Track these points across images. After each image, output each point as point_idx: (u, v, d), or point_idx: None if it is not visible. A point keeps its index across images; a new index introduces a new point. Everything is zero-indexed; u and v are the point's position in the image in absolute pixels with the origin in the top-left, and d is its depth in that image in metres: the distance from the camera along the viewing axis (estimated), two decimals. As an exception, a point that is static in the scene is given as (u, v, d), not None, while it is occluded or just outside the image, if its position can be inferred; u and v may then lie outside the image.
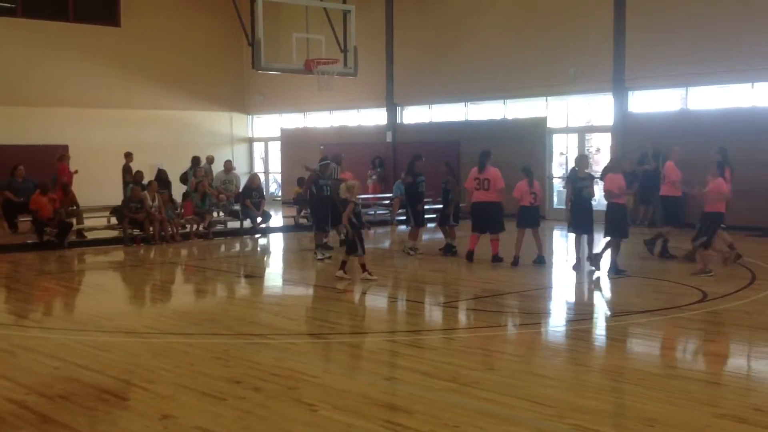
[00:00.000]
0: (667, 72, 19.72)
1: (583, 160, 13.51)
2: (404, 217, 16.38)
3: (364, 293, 11.30)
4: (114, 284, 13.02)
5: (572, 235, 13.05)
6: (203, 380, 6.63)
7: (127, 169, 20.16)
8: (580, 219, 12.77)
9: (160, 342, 8.22)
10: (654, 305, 9.94)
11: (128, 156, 20.62)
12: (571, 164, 22.69)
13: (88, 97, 26.28)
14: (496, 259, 13.52)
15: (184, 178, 20.75)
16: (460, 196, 14.97)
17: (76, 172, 19.34)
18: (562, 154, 22.74)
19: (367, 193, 22.75)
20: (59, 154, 20.12)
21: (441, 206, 15.29)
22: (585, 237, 12.87)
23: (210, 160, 21.56)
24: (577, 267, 12.65)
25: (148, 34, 27.60)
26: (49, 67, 25.54)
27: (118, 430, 5.50)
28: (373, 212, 21.62)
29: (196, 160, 20.65)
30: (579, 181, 12.84)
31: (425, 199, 15.47)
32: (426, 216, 15.48)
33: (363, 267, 11.84)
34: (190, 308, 10.69)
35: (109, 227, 17.68)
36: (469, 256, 13.72)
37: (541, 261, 13.36)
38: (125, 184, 19.21)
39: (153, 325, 9.14)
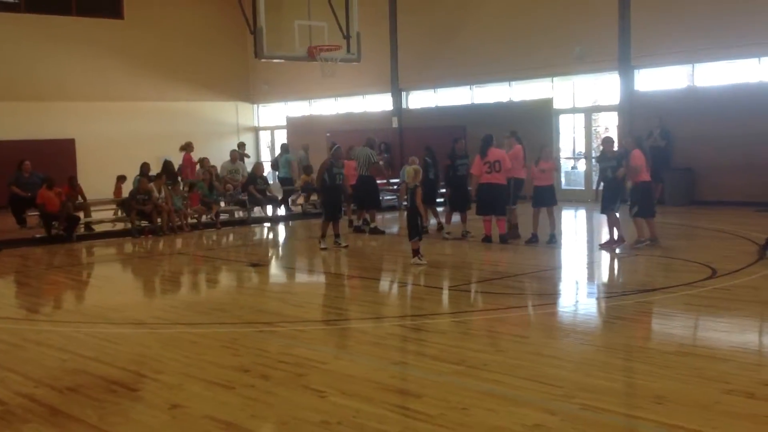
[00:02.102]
0: (673, 49, 19.58)
1: (607, 141, 13.57)
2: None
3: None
4: (122, 276, 13.06)
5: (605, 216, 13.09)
6: (212, 369, 6.64)
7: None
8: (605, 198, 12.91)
9: (169, 332, 8.23)
10: (663, 283, 9.90)
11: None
12: (578, 145, 22.84)
13: (93, 91, 26.34)
14: (503, 238, 13.63)
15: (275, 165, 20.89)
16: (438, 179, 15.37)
17: (199, 161, 19.66)
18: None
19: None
20: (184, 143, 20.61)
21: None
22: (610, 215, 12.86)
23: (305, 148, 21.81)
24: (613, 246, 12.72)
25: (151, 25, 27.61)
26: (53, 61, 25.59)
27: (127, 421, 5.51)
28: (380, 198, 21.56)
29: (285, 147, 20.91)
30: (604, 161, 13.08)
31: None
32: (465, 200, 14.95)
33: (417, 251, 11.82)
34: (198, 298, 10.71)
35: (117, 219, 17.73)
36: (488, 239, 13.79)
37: (552, 241, 13.38)
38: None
39: (161, 316, 9.16)
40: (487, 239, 13.82)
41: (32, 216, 17.34)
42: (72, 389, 6.23)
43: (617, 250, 12.50)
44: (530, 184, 13.84)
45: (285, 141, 24.89)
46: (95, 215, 17.92)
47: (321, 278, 12.04)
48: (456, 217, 14.98)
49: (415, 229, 11.84)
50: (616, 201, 12.80)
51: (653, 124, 19.78)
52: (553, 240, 13.42)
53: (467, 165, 14.65)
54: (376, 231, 15.92)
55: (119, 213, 18.07)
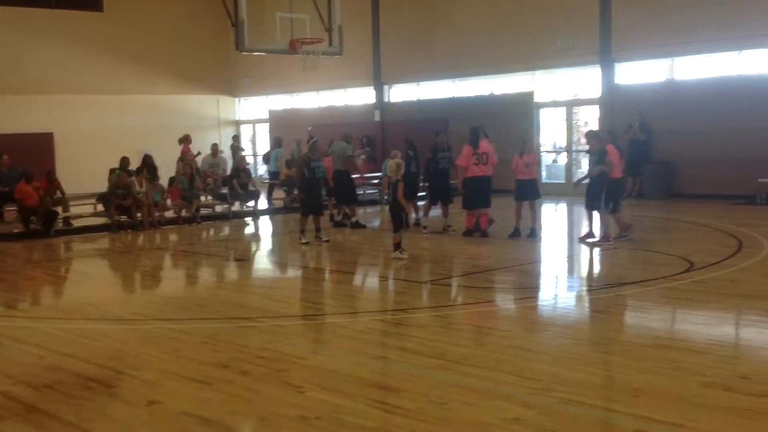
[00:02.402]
0: (653, 43, 19.67)
1: (588, 135, 13.69)
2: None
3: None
4: (101, 271, 12.96)
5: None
6: (190, 365, 6.60)
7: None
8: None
9: (147, 328, 8.19)
10: (642, 276, 9.95)
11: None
12: (559, 139, 22.92)
13: (73, 84, 26.12)
14: (485, 233, 13.63)
15: (267, 159, 20.70)
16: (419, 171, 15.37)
17: (198, 154, 19.49)
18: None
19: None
20: (182, 136, 20.71)
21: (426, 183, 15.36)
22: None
23: (298, 142, 21.35)
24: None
25: (131, 18, 27.38)
26: (32, 54, 25.35)
27: (104, 418, 5.48)
28: (362, 191, 21.58)
29: (278, 141, 20.89)
30: (589, 156, 13.23)
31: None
32: (447, 193, 14.98)
33: (398, 245, 11.81)
34: (177, 293, 10.65)
35: (96, 214, 17.61)
36: (469, 233, 13.81)
37: (533, 234, 13.41)
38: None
39: (140, 312, 9.11)
40: (469, 233, 13.84)
41: (10, 211, 17.18)
42: (49, 386, 6.18)
43: (597, 244, 12.53)
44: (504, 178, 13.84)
45: (279, 135, 24.73)
46: (74, 210, 17.77)
47: (301, 273, 12.01)
48: (436, 211, 14.99)
49: (399, 223, 11.83)
50: (600, 197, 12.73)
51: (633, 117, 19.89)
52: (534, 234, 13.44)
53: (448, 158, 14.67)
54: (357, 225, 15.90)
55: (96, 208, 17.92)
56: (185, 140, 20.55)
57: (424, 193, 15.86)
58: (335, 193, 16.20)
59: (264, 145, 30.21)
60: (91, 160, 22.89)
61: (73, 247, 15.50)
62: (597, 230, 12.77)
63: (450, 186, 15.07)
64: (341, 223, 16.22)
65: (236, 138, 25.17)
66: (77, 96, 26.18)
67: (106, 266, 13.54)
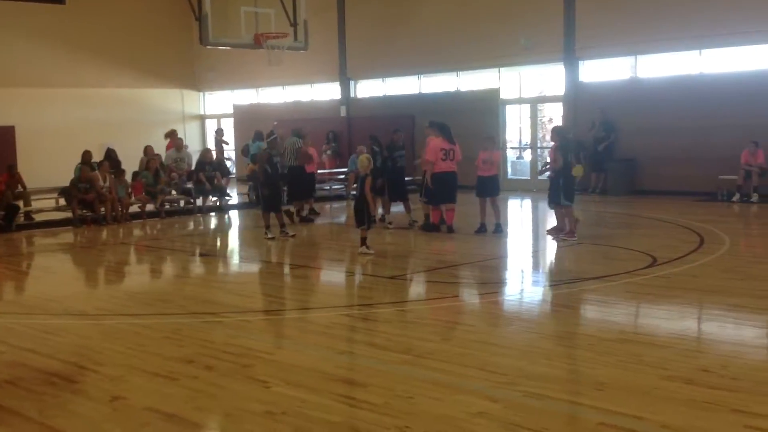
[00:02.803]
0: (617, 41, 19.88)
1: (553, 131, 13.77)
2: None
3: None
4: (63, 266, 12.80)
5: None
6: (154, 361, 6.55)
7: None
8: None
9: (111, 323, 8.09)
10: (605, 271, 10.05)
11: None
12: (525, 135, 23.07)
13: (34, 77, 25.70)
14: (451, 229, 13.71)
15: (246, 152, 20.37)
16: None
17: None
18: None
19: (323, 168, 22.65)
20: (169, 131, 20.93)
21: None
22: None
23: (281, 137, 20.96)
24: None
25: (93, 10, 26.99)
26: (-8, 47, 24.90)
27: (67, 414, 5.41)
28: (328, 187, 21.56)
29: (258, 134, 20.58)
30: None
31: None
32: (404, 191, 15.09)
33: (364, 240, 11.80)
34: (141, 288, 10.54)
35: (59, 209, 17.36)
36: (434, 227, 13.87)
37: (498, 230, 13.49)
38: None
39: (103, 307, 9.00)
40: (432, 227, 13.87)
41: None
42: (10, 382, 6.08)
43: (562, 239, 12.64)
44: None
45: (258, 129, 24.37)
46: (36, 204, 17.51)
47: (267, 268, 11.97)
48: (397, 207, 15.02)
49: (362, 218, 11.83)
50: (560, 193, 12.77)
51: (595, 115, 20.11)
52: (499, 229, 13.52)
53: (404, 156, 14.79)
54: (305, 220, 15.88)
55: (58, 202, 17.67)
56: (171, 135, 20.38)
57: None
58: (289, 189, 16.21)
59: (229, 141, 30.03)
60: (53, 154, 22.57)
61: (35, 241, 15.27)
62: (563, 225, 12.88)
63: (405, 183, 15.20)
64: (308, 218, 16.19)
65: (220, 132, 24.86)
66: (39, 89, 25.78)
67: (69, 261, 13.37)
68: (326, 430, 4.96)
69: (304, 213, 16.32)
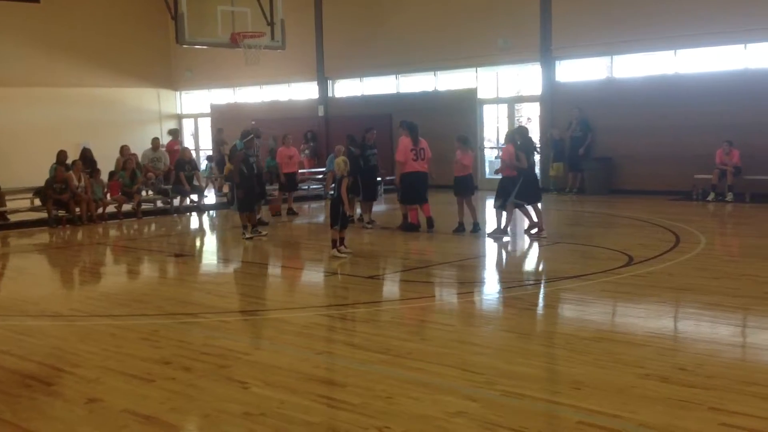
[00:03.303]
0: (593, 41, 20.01)
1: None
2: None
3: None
4: (39, 267, 12.67)
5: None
6: (131, 362, 6.50)
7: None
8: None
9: (87, 325, 8.02)
10: (582, 270, 10.10)
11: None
12: (502, 135, 23.10)
13: (9, 76, 25.43)
14: (431, 221, 13.84)
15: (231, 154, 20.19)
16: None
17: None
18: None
19: (302, 168, 22.59)
20: (171, 129, 20.86)
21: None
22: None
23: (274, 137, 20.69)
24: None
25: (69, 9, 26.79)
26: (-35, 45, 24.61)
27: (43, 417, 5.35)
28: (306, 187, 21.51)
29: (243, 134, 20.40)
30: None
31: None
32: (374, 189, 15.26)
33: (341, 241, 11.76)
34: (118, 289, 10.46)
35: (33, 209, 17.18)
36: (413, 227, 13.91)
37: (476, 229, 13.54)
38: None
39: (79, 308, 8.92)
40: (411, 227, 13.89)
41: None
42: (-16, 385, 6.02)
43: (538, 237, 12.70)
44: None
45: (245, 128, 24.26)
46: (10, 204, 17.32)
47: (245, 268, 11.91)
48: (378, 207, 15.06)
49: (336, 218, 11.78)
50: (509, 194, 12.75)
51: (572, 114, 20.23)
52: (477, 228, 13.58)
53: (376, 155, 14.83)
54: (259, 222, 15.76)
55: (33, 203, 17.50)
56: (174, 134, 20.25)
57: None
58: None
59: (206, 141, 29.90)
60: (28, 154, 22.35)
61: (9, 242, 15.10)
62: (541, 223, 12.93)
63: (377, 183, 15.24)
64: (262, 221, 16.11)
65: (220, 131, 24.47)
66: (14, 88, 25.51)
67: (44, 262, 13.24)
68: (305, 430, 4.94)
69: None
